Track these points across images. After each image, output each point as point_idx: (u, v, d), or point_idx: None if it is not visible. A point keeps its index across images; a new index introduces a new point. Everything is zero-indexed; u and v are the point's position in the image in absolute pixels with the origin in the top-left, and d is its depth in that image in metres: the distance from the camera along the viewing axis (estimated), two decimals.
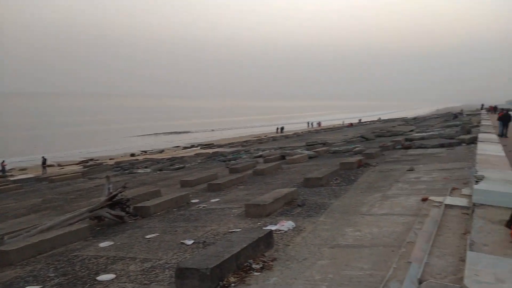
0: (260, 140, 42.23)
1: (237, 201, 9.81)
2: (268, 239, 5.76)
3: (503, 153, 11.35)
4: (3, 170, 32.79)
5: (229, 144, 41.76)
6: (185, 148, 44.46)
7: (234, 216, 8.26)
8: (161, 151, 42.34)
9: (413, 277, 3.64)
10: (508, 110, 28.26)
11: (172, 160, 29.05)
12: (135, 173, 21.83)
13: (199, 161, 26.02)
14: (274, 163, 15.93)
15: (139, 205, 9.60)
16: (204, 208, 9.51)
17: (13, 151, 46.72)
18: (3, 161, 33.52)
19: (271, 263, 5.24)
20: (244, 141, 42.95)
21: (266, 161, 18.27)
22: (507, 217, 4.85)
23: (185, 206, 10.00)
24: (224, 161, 23.25)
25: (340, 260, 5.19)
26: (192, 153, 34.40)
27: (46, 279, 5.65)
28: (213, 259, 4.75)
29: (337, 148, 21.16)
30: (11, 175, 31.23)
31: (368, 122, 69.43)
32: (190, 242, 6.66)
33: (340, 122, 75.54)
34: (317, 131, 54.36)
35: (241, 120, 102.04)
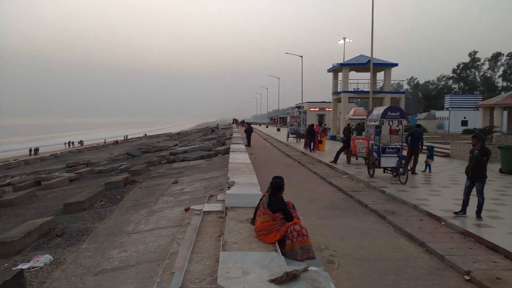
0: (8, 165, 35.83)
1: None
2: (17, 281, 4.92)
3: (249, 160, 13.32)
4: None
5: None
6: None
7: None
8: None
9: (176, 287, 3.81)
10: (250, 123, 33.40)
11: None
12: None
13: None
14: (26, 191, 13.82)
15: None
16: None
17: None
18: None
19: None
20: None
21: (16, 189, 15.63)
22: (251, 215, 5.69)
23: None
24: None
25: (105, 286, 4.94)
26: None
27: None
28: None
29: (101, 168, 20.12)
30: None
31: (134, 139, 69.01)
32: None
33: (103, 140, 72.09)
34: (79, 151, 50.31)
35: None
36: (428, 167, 14.19)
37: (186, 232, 5.72)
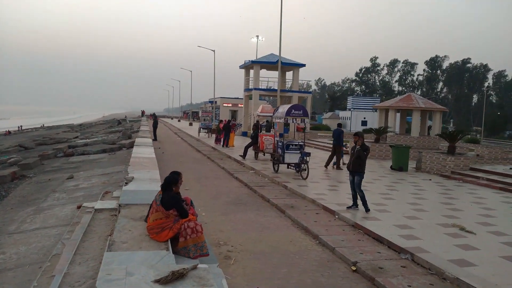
0: None
1: None
2: None
3: (153, 155, 12.87)
4: None
5: None
6: None
7: None
8: None
9: None
10: (157, 116, 32.44)
11: None
12: None
13: None
14: None
15: None
16: None
17: None
18: None
19: None
20: None
21: None
22: (146, 213, 5.46)
23: None
24: None
25: None
26: None
27: None
28: None
29: None
30: None
31: (30, 130, 62.80)
32: None
33: None
34: None
35: None
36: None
37: (74, 231, 5.30)
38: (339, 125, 16.25)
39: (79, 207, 7.32)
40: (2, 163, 16.68)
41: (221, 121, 24.90)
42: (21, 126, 72.73)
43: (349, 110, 71.60)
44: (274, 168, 13.78)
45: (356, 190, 8.39)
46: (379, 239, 6.71)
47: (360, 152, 8.29)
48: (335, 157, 15.11)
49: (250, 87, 34.11)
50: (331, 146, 14.75)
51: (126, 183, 7.42)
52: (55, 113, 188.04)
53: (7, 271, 4.96)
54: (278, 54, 25.30)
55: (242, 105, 39.46)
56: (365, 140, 8.59)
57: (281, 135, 14.55)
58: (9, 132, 56.02)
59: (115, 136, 24.60)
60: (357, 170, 8.37)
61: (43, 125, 75.57)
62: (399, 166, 15.33)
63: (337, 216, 8.15)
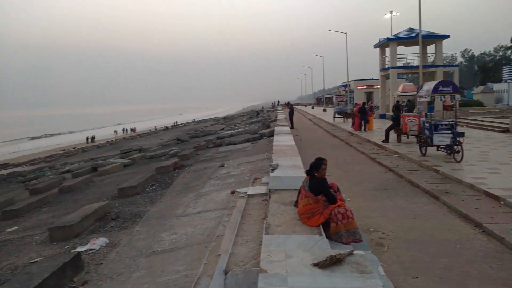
0: (67, 153, 38.15)
1: (39, 226, 8.63)
2: (76, 262, 5.25)
3: (293, 143, 13.21)
4: None
5: (29, 161, 36.35)
6: None
7: (37, 244, 7.23)
8: None
9: (221, 269, 3.87)
10: (292, 105, 33.09)
11: None
12: None
13: None
14: (84, 177, 14.65)
15: None
16: None
17: None
18: None
19: (81, 287, 4.81)
20: (48, 156, 38.03)
21: (74, 176, 16.65)
22: (295, 198, 5.64)
23: None
24: (23, 181, 20.14)
25: (156, 267, 5.14)
26: None
27: None
28: None
29: (153, 153, 20.86)
30: None
31: (183, 124, 70.85)
32: None
33: (155, 126, 74.53)
34: (132, 138, 52.51)
35: (41, 129, 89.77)
36: None
37: (232, 215, 5.79)
38: None
39: (232, 193, 7.96)
40: (165, 155, 19.21)
41: (355, 104, 24.14)
42: (176, 121, 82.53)
43: (506, 81, 61.89)
44: (421, 151, 12.79)
45: None
46: None
47: None
48: None
49: (387, 66, 32.20)
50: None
51: (272, 170, 7.78)
52: (200, 109, 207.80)
53: (179, 249, 5.70)
54: (416, 28, 23.27)
55: (378, 86, 37.55)
56: None
57: (426, 115, 13.39)
58: (167, 128, 64.19)
59: (255, 126, 26.02)
60: None
61: (194, 119, 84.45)
62: None
63: (502, 203, 7.17)
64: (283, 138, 14.49)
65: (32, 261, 6.20)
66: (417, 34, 23.39)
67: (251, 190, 6.98)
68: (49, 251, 6.63)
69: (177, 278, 4.63)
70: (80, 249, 6.10)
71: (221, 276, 3.70)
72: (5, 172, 29.24)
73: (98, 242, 6.39)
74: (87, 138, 58.92)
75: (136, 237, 6.64)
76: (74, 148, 45.93)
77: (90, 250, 6.14)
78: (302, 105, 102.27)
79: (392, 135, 16.65)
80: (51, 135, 79.31)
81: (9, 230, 8.85)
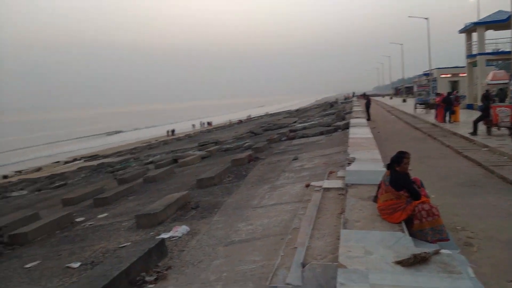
0: (150, 146, 40.77)
1: (127, 214, 9.33)
2: (160, 248, 5.59)
3: (371, 135, 12.73)
4: None
5: (116, 153, 39.45)
6: (66, 162, 40.63)
7: (125, 230, 7.83)
8: (38, 169, 38.04)
9: (299, 262, 3.86)
10: (369, 95, 31.81)
11: (51, 177, 26.34)
12: (9, 197, 19.33)
13: (83, 175, 24.07)
14: (166, 168, 15.54)
15: (14, 232, 8.52)
16: (91, 226, 8.85)
17: None
18: None
19: (165, 272, 5.10)
20: (133, 148, 40.94)
21: (157, 167, 17.73)
22: (374, 193, 5.43)
23: (69, 226, 9.17)
24: (112, 172, 21.92)
25: (234, 256, 5.28)
26: (75, 168, 31.65)
27: None
28: (100, 279, 4.44)
29: (228, 146, 21.49)
30: None
31: (256, 118, 71.91)
32: (76, 265, 6.14)
33: (229, 119, 76.57)
34: (208, 131, 54.56)
35: (126, 125, 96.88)
36: None
37: (307, 208, 5.75)
38: None
39: (307, 186, 7.90)
40: (239, 147, 19.67)
41: (438, 94, 22.57)
42: (249, 115, 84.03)
43: None
44: None
45: None
46: None
47: None
48: None
49: (474, 52, 29.62)
50: None
51: (349, 163, 7.58)
52: (274, 102, 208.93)
53: (256, 240, 5.79)
54: (507, 10, 21.01)
55: (464, 74, 34.71)
56: None
57: None
58: (241, 121, 65.65)
59: (329, 119, 25.55)
60: None
61: (267, 112, 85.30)
62: None
63: None
64: (360, 131, 14.04)
65: (121, 245, 6.72)
66: (509, 17, 21.14)
67: (326, 183, 6.86)
68: (135, 236, 7.14)
69: (254, 268, 4.71)
70: (164, 235, 6.47)
71: (298, 268, 3.69)
72: (95, 163, 32.14)
73: (180, 230, 6.73)
74: (168, 131, 62.34)
75: (214, 226, 6.88)
76: (156, 140, 48.94)
77: (173, 237, 6.49)
78: (379, 95, 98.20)
79: (481, 127, 15.32)
80: (135, 129, 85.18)
81: (100, 216, 9.68)
